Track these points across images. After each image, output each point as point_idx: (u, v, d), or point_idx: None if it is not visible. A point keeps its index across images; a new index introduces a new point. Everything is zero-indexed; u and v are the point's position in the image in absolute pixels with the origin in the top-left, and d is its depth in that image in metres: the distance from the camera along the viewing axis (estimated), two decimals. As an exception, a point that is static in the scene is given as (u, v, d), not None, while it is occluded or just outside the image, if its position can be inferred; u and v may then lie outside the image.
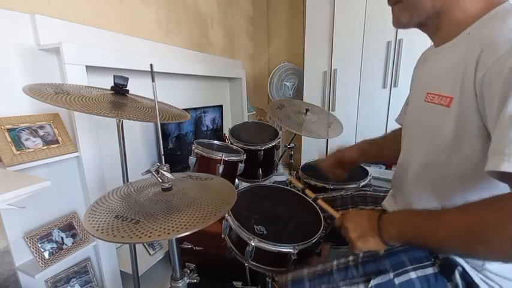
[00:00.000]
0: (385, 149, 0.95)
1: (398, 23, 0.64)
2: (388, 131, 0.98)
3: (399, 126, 0.89)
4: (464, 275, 0.56)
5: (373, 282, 0.60)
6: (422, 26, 0.63)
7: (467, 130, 0.53)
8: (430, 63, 0.68)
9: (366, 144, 1.00)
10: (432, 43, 0.68)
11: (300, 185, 0.99)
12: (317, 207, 0.93)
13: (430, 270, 0.60)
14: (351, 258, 0.68)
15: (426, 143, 0.65)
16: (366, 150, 0.98)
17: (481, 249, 0.45)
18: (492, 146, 0.46)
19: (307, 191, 0.94)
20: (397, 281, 0.60)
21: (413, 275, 0.60)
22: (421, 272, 0.60)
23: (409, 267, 0.61)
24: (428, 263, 0.61)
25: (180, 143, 1.74)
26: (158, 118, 0.70)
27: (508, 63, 0.44)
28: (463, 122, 0.53)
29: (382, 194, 0.96)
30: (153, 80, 0.66)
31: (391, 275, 0.60)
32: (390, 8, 0.65)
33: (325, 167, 1.03)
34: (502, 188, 0.46)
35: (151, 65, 0.66)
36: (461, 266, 0.57)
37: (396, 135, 0.87)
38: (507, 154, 0.42)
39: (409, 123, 0.75)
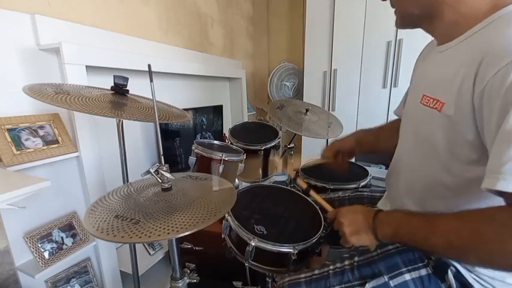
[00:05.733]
0: (381, 141, 0.95)
1: (397, 25, 0.67)
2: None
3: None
4: (458, 275, 0.57)
5: (368, 286, 0.61)
6: (419, 27, 0.64)
7: (458, 139, 0.53)
8: (429, 63, 0.67)
9: (362, 132, 1.00)
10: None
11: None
12: (317, 208, 0.93)
13: (423, 272, 0.60)
14: (346, 262, 0.68)
15: (417, 145, 0.65)
16: (362, 138, 0.99)
17: (473, 260, 0.47)
18: (489, 163, 0.45)
19: (299, 180, 0.95)
20: (392, 283, 0.60)
21: (407, 276, 0.60)
22: (415, 274, 0.60)
23: (403, 269, 0.61)
24: (422, 264, 0.61)
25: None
26: (157, 118, 0.70)
27: (508, 77, 0.42)
28: (455, 130, 0.52)
29: (378, 194, 0.96)
30: (151, 80, 0.66)
31: (386, 277, 0.61)
32: (390, 7, 0.66)
33: (327, 159, 1.02)
34: (492, 198, 0.46)
35: (149, 65, 0.66)
36: (454, 266, 0.57)
37: (392, 127, 0.87)
38: (503, 173, 0.41)
39: (404, 123, 0.74)
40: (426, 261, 0.61)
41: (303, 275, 0.69)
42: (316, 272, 0.69)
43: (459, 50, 0.55)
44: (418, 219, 0.55)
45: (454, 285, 0.56)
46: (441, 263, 0.58)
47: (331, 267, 0.69)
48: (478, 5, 0.52)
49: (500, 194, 0.43)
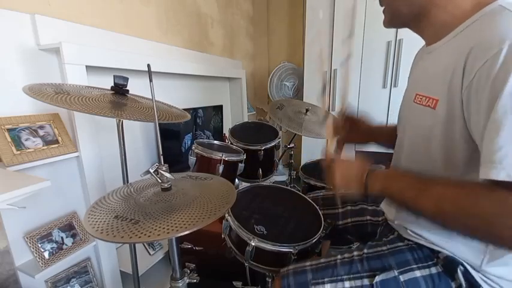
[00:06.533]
0: (384, 133, 0.93)
1: (385, 24, 0.68)
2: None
3: None
4: (467, 274, 0.57)
5: (378, 278, 0.60)
6: (407, 27, 0.65)
7: (452, 134, 0.53)
8: (421, 64, 0.68)
9: (380, 125, 0.99)
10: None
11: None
12: (317, 208, 0.93)
13: (434, 270, 0.60)
14: (355, 253, 0.68)
15: (413, 144, 0.65)
16: (381, 127, 0.98)
17: (459, 228, 0.48)
18: (482, 153, 0.45)
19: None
20: (402, 278, 0.60)
21: (418, 273, 0.60)
22: (425, 271, 0.60)
23: (414, 266, 0.61)
24: (431, 262, 0.61)
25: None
26: (156, 118, 0.70)
27: (495, 67, 0.43)
28: (448, 125, 0.53)
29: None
30: (150, 80, 0.66)
31: (396, 272, 0.61)
32: None
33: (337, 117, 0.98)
34: None
35: (148, 65, 0.66)
36: (463, 265, 0.57)
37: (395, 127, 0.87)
38: (494, 162, 0.42)
39: (400, 124, 0.75)
40: (435, 259, 0.61)
41: (308, 263, 0.69)
42: (322, 260, 0.69)
43: (448, 48, 0.56)
44: (411, 177, 0.56)
45: (464, 284, 0.56)
46: (450, 261, 0.59)
47: (339, 256, 0.68)
48: (463, 4, 0.54)
49: (493, 183, 0.43)
